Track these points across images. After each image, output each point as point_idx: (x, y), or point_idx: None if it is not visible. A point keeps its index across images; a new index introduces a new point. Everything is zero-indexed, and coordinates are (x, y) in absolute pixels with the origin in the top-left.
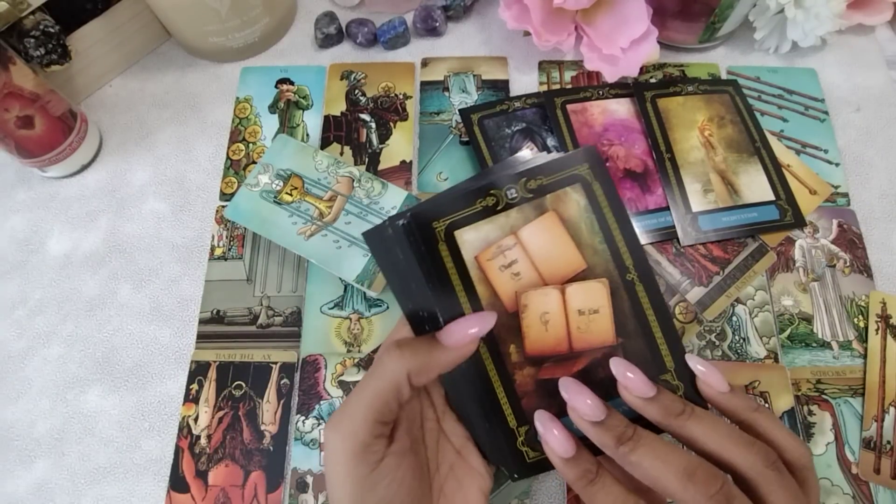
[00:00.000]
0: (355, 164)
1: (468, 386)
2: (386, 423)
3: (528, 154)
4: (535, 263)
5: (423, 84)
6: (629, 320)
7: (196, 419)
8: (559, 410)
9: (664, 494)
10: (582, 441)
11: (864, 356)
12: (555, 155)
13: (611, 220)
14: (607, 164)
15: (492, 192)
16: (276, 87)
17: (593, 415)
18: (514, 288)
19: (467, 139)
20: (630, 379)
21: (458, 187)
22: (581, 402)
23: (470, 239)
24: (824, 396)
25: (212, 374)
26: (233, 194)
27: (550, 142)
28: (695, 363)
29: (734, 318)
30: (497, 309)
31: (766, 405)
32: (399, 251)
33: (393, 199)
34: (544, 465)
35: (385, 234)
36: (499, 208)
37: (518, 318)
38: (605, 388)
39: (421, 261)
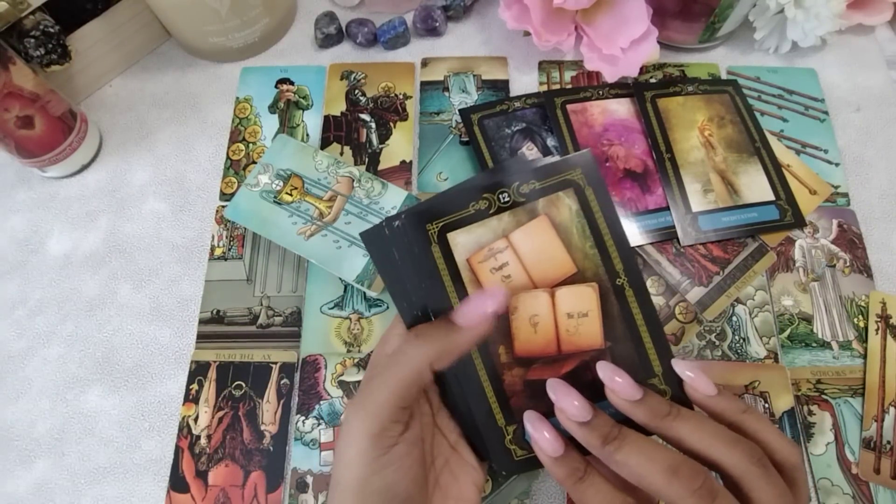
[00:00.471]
0: (355, 164)
1: (458, 384)
2: (406, 408)
3: (524, 157)
4: (526, 266)
5: (423, 84)
6: (618, 324)
7: (196, 419)
8: (547, 411)
9: (649, 491)
10: (569, 441)
11: (864, 356)
12: (549, 159)
13: (602, 226)
14: (607, 164)
15: (485, 195)
16: (276, 87)
17: (580, 415)
18: (503, 286)
19: (467, 139)
20: (617, 382)
21: (453, 190)
22: (568, 403)
23: (462, 241)
24: (824, 396)
25: (212, 374)
26: (233, 194)
27: (550, 142)
28: (682, 368)
29: (734, 318)
30: None
31: (766, 405)
32: (394, 251)
33: (393, 199)
34: (531, 464)
35: (381, 235)
36: (491, 212)
37: (508, 320)
38: (593, 390)
39: (414, 261)
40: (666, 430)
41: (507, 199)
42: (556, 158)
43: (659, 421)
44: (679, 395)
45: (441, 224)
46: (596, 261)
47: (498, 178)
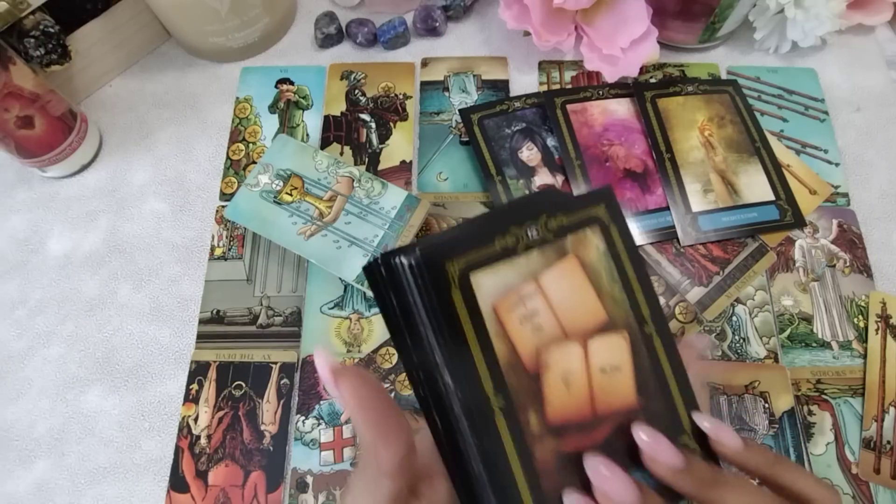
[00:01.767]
0: (355, 164)
1: (483, 471)
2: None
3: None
4: (557, 314)
5: (423, 84)
6: (649, 378)
7: (196, 419)
8: (583, 488)
9: None
10: None
11: (864, 356)
12: (567, 193)
13: (628, 267)
14: (607, 164)
15: (511, 229)
16: (276, 87)
17: (629, 498)
18: (534, 344)
19: (467, 139)
20: (658, 449)
21: (473, 222)
22: (615, 488)
23: (487, 284)
24: (824, 396)
25: (212, 374)
26: (233, 194)
27: (550, 142)
28: (703, 421)
29: (734, 318)
30: (516, 370)
31: (766, 405)
32: (406, 293)
33: (393, 199)
34: None
35: (389, 272)
36: (518, 249)
37: (538, 381)
38: (629, 455)
39: (430, 309)
40: (712, 500)
41: (535, 236)
42: (580, 194)
43: (706, 490)
44: (708, 452)
45: (463, 263)
46: (625, 307)
47: (523, 210)
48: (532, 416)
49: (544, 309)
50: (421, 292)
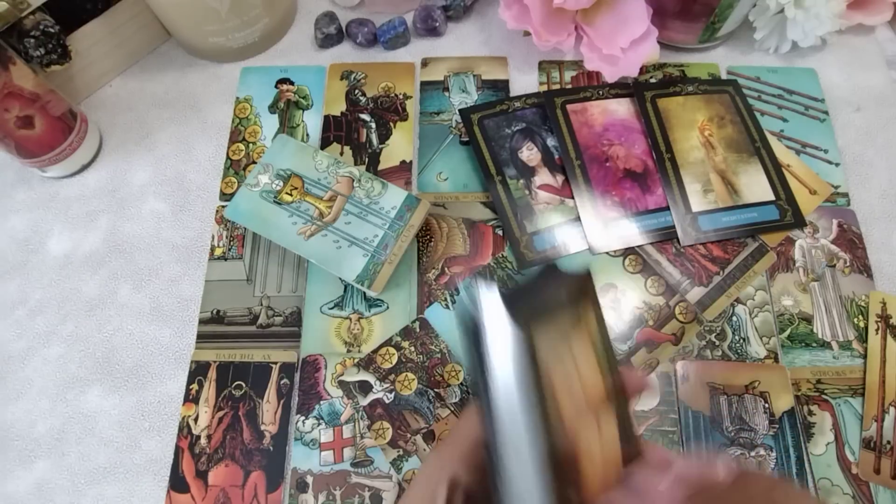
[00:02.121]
0: (355, 164)
1: None
2: None
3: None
4: (582, 381)
5: (423, 84)
6: (625, 451)
7: (196, 419)
8: None
9: None
10: None
11: (864, 356)
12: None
13: (607, 343)
14: (607, 164)
15: (552, 285)
16: (276, 87)
17: None
18: (571, 405)
19: (467, 139)
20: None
21: (525, 280)
22: None
23: (542, 337)
24: (824, 396)
25: (212, 374)
26: (233, 194)
27: (550, 142)
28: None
29: (734, 318)
30: (558, 432)
31: (766, 405)
32: (484, 343)
33: (393, 199)
34: None
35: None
36: (558, 306)
37: (576, 450)
38: None
39: (507, 354)
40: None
41: (564, 298)
42: (569, 272)
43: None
44: None
45: (528, 310)
46: (609, 381)
47: (557, 271)
48: (572, 492)
49: (573, 371)
50: (500, 332)
